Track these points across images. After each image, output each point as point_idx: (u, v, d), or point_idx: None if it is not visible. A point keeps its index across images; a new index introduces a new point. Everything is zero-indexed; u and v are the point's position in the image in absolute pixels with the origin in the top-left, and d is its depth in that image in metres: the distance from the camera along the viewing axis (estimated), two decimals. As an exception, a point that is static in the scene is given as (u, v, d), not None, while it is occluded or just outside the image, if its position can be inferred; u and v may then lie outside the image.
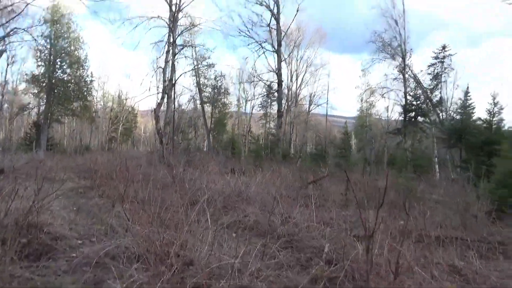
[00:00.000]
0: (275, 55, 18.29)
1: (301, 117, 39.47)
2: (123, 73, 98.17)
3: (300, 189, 8.46)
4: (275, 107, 40.43)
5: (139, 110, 44.47)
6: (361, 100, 44.91)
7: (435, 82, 21.77)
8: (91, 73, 28.76)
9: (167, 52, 15.18)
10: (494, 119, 14.05)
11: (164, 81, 14.90)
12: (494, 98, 14.31)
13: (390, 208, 8.18)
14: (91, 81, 28.30)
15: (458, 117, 15.66)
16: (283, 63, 21.96)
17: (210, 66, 28.41)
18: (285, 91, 35.02)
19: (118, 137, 43.94)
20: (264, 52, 18.07)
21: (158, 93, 22.27)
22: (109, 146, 39.08)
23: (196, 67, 24.61)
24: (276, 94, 17.37)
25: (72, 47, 24.44)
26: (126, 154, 19.31)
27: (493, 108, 14.20)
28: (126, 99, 42.69)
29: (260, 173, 11.23)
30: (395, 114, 41.11)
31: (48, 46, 23.66)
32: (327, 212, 6.83)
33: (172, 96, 14.96)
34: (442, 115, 21.42)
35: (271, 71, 17.48)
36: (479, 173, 12.83)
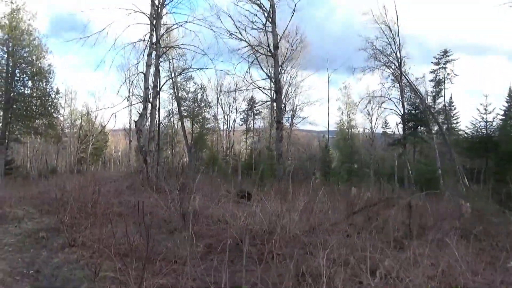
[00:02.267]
0: (269, 61, 16.27)
1: (284, 132, 37.60)
2: (90, 91, 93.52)
3: (347, 219, 6.28)
4: (257, 121, 38.50)
5: (111, 129, 41.37)
6: (342, 113, 43.96)
7: (437, 89, 20.40)
8: (57, 88, 25.70)
9: (149, 54, 12.81)
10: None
11: (146, 88, 12.44)
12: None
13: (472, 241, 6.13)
14: (57, 95, 25.27)
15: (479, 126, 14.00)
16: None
17: (189, 78, 26.23)
18: (269, 103, 33.17)
19: (87, 157, 40.50)
20: (256, 58, 15.99)
21: (132, 104, 19.56)
22: (78, 167, 35.67)
23: (174, 76, 22.10)
24: (274, 103, 15.20)
25: (34, 56, 21.39)
26: (100, 177, 16.56)
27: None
28: (96, 114, 39.49)
29: (274, 197, 9.03)
30: (378, 127, 40.46)
31: (5, 56, 20.56)
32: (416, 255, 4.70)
33: (157, 105, 12.55)
34: (448, 124, 19.98)
35: (267, 77, 15.45)
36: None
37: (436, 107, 20.33)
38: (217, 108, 37.02)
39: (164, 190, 9.94)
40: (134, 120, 11.79)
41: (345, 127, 43.78)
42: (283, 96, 33.91)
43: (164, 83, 15.00)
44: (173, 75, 23.16)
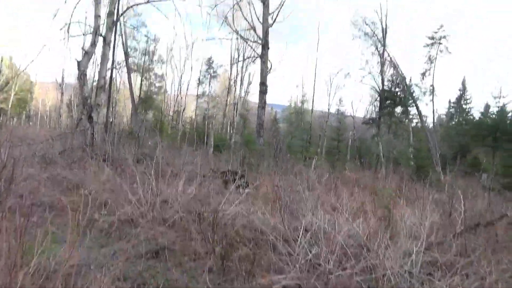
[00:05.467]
0: (255, 8, 13.18)
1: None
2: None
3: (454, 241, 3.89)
4: (213, 84, 34.95)
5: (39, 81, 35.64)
6: (296, 87, 41.80)
7: (428, 67, 18.76)
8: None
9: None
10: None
11: (97, 16, 8.78)
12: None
13: None
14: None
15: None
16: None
17: (140, 26, 22.00)
18: (228, 68, 30.03)
19: (8, 109, 34.54)
20: (238, 3, 12.85)
21: (70, 37, 15.48)
22: (-5, 120, 30.00)
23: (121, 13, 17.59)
24: (259, 59, 12.17)
25: None
26: (21, 135, 12.73)
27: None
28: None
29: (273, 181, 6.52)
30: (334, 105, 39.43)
31: None
32: None
33: (112, 41, 9.00)
34: (434, 108, 18.55)
35: (250, 29, 12.45)
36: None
37: (423, 86, 18.79)
38: (166, 66, 32.89)
39: (120, 163, 6.87)
40: (76, 59, 8.25)
41: (299, 101, 41.98)
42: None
43: (125, 12, 11.30)
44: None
